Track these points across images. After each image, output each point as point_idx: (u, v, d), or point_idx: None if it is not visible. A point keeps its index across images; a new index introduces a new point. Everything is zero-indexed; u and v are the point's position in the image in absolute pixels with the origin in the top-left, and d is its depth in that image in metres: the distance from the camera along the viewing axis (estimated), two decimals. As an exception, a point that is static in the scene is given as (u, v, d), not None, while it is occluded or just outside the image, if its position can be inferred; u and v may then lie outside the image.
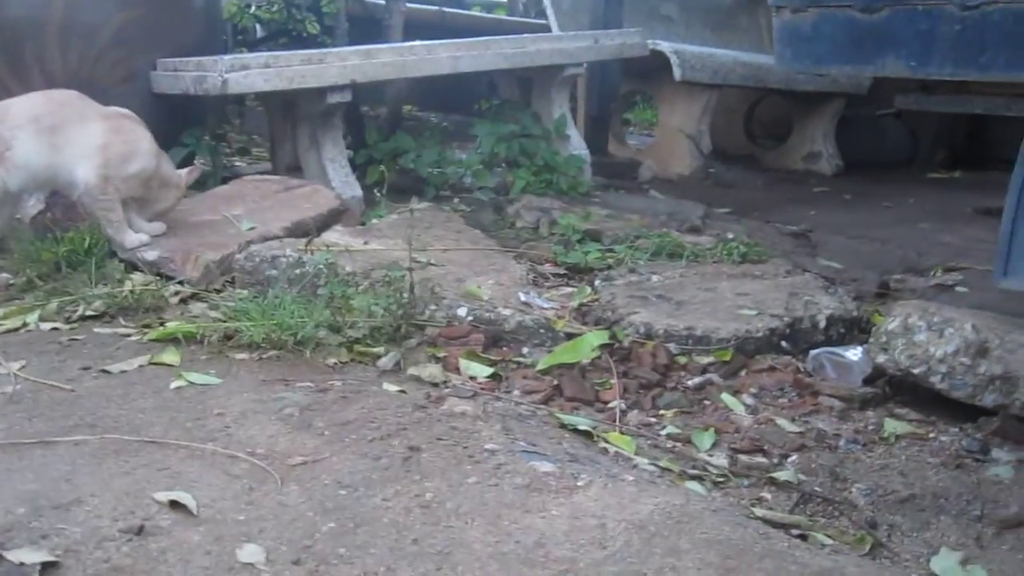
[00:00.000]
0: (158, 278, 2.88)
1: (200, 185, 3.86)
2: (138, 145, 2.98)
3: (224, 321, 2.48)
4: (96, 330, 2.58)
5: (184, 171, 3.15)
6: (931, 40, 1.33)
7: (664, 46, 5.12)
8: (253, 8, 5.66)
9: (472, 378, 2.31)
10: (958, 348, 2.23)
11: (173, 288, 2.81)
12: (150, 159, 2.99)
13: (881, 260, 3.82)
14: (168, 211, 3.12)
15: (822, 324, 2.63)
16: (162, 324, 2.55)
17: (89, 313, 2.68)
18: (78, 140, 2.89)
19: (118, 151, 2.92)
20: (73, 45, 3.63)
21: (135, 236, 2.98)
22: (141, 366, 2.29)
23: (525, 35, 4.54)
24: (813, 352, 2.50)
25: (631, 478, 1.76)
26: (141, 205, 3.04)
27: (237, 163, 4.96)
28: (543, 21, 5.99)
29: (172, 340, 2.44)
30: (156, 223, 3.07)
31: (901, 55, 1.36)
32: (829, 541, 1.72)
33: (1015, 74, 1.32)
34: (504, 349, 2.49)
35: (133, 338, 2.50)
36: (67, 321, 2.64)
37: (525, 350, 2.49)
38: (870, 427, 2.21)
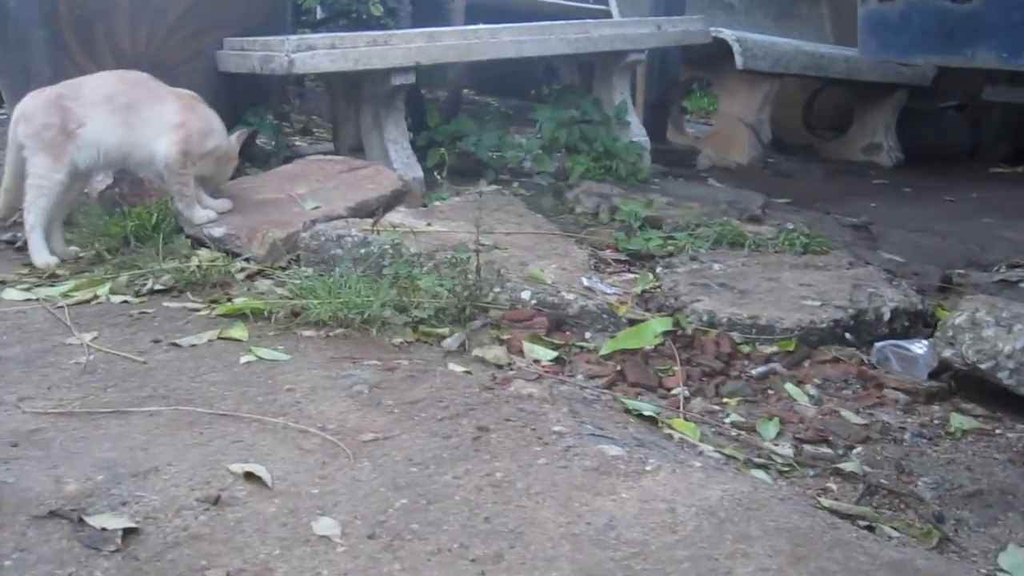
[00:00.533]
0: (224, 254, 2.93)
1: (263, 164, 3.91)
2: (212, 124, 3.08)
3: (291, 298, 2.51)
4: (165, 304, 2.63)
5: (233, 137, 3.20)
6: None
7: (726, 33, 5.09)
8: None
9: (536, 361, 2.32)
10: (1027, 345, 2.21)
11: (239, 264, 2.86)
12: (223, 137, 3.11)
13: (943, 254, 3.78)
14: (225, 182, 3.22)
15: (887, 317, 2.61)
16: (229, 300, 2.59)
17: (158, 287, 2.73)
18: (155, 119, 2.98)
19: (197, 127, 3.02)
20: (142, 24, 3.68)
21: (203, 212, 3.05)
22: (211, 340, 2.33)
23: (588, 20, 4.54)
24: (878, 344, 2.48)
25: (698, 464, 1.76)
26: (206, 181, 3.10)
27: (298, 143, 5.02)
28: (603, 7, 5.98)
29: (240, 316, 2.48)
30: (222, 200, 3.13)
31: (992, 46, 1.35)
32: (896, 533, 1.72)
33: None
34: (567, 333, 2.50)
35: (202, 313, 2.54)
36: (136, 295, 2.70)
37: (588, 335, 2.50)
38: (935, 421, 2.20)
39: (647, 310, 2.65)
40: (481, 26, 4.14)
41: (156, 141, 2.97)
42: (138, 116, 2.97)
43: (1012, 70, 1.40)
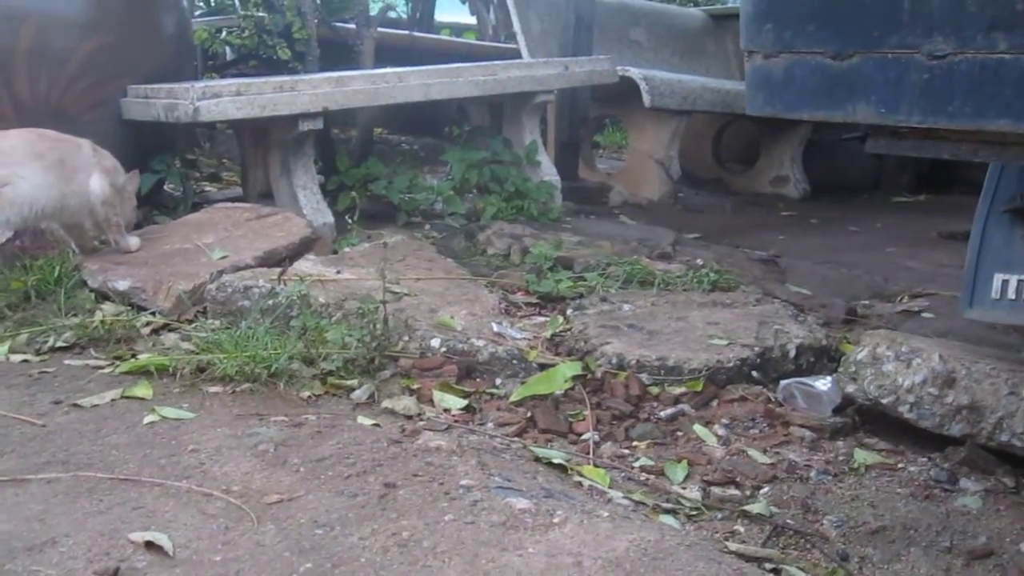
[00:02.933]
0: (129, 308, 2.87)
1: (171, 211, 3.86)
2: (115, 161, 3.24)
3: (197, 353, 2.47)
4: (67, 362, 2.56)
5: (125, 177, 3.29)
6: (900, 88, 1.37)
7: (634, 72, 5.17)
8: (224, 34, 5.64)
9: (446, 410, 2.31)
10: (925, 378, 2.26)
11: (144, 319, 2.80)
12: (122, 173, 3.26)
13: (849, 286, 3.87)
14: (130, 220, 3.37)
15: (792, 353, 2.66)
16: (134, 356, 2.55)
17: (60, 344, 2.66)
18: (82, 166, 3.11)
19: (111, 164, 3.20)
20: (43, 72, 3.61)
21: (135, 239, 3.23)
22: (113, 400, 2.28)
23: (496, 62, 4.57)
24: (783, 382, 2.52)
25: (606, 513, 1.77)
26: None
27: (208, 188, 4.96)
28: (513, 45, 6.02)
29: (144, 373, 2.43)
30: (134, 238, 3.25)
31: (871, 102, 1.39)
32: (802, 574, 1.74)
33: (982, 123, 1.35)
34: (478, 380, 2.50)
35: (105, 370, 2.49)
36: (37, 353, 2.63)
37: (498, 381, 2.50)
38: (840, 457, 2.24)
39: (557, 354, 2.66)
40: (389, 70, 4.15)
41: (88, 183, 3.11)
42: (70, 167, 3.08)
43: (892, 125, 1.45)
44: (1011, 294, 2.46)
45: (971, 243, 2.53)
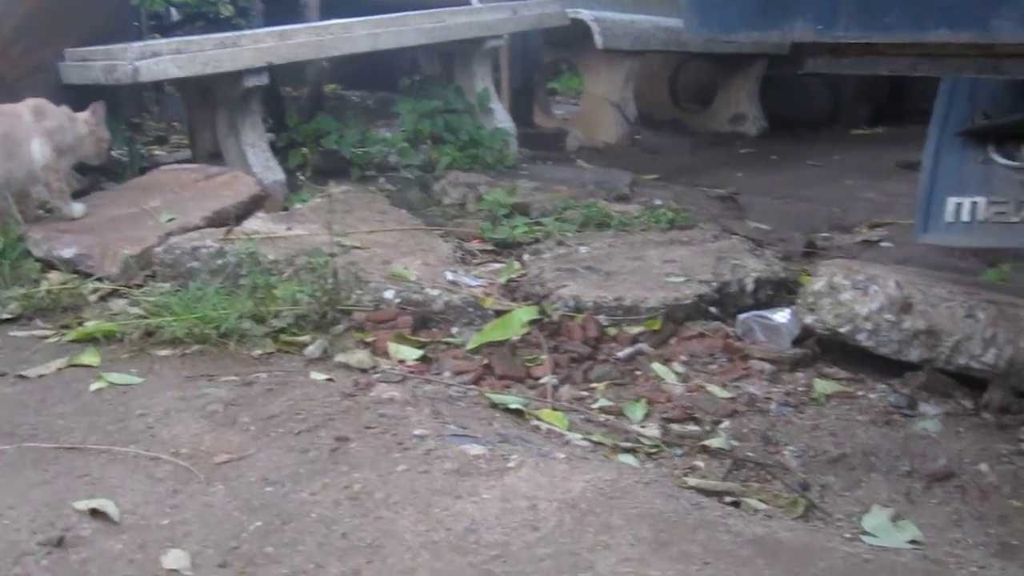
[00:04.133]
0: (76, 276, 2.81)
1: (118, 177, 3.77)
2: (63, 119, 3.12)
3: (145, 318, 2.42)
4: (12, 333, 2.50)
5: (82, 116, 3.19)
6: (836, 3, 1.33)
7: (584, 14, 5.09)
8: (167, -6, 5.52)
9: (401, 362, 2.28)
10: (882, 305, 2.25)
11: (92, 286, 2.73)
12: (80, 125, 3.17)
13: (808, 219, 3.86)
14: (105, 157, 3.35)
15: (750, 287, 2.64)
16: (80, 324, 2.48)
17: (5, 316, 2.60)
18: (23, 136, 3.03)
19: (53, 125, 3.09)
20: (-25, 38, 3.51)
21: (80, 206, 3.13)
22: (60, 369, 2.22)
23: (442, 9, 4.48)
24: (742, 316, 2.50)
25: (563, 456, 1.75)
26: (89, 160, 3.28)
27: (156, 152, 4.85)
28: (463, -7, 5.92)
29: (92, 340, 2.37)
30: (79, 204, 3.16)
31: (808, 19, 1.35)
32: (763, 506, 1.73)
33: (919, 34, 1.31)
34: (433, 330, 2.46)
35: (51, 340, 2.43)
36: (-18, 325, 2.57)
37: (455, 330, 2.46)
38: (800, 388, 2.23)
39: (514, 300, 2.63)
40: (334, 21, 4.05)
41: (30, 152, 3.03)
42: (13, 140, 3.01)
43: (829, 42, 1.42)
44: (965, 216, 2.45)
45: (923, 168, 2.51)
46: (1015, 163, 2.42)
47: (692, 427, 2.03)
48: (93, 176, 3.66)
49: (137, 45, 3.54)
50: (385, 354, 2.31)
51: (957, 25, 1.27)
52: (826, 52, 1.51)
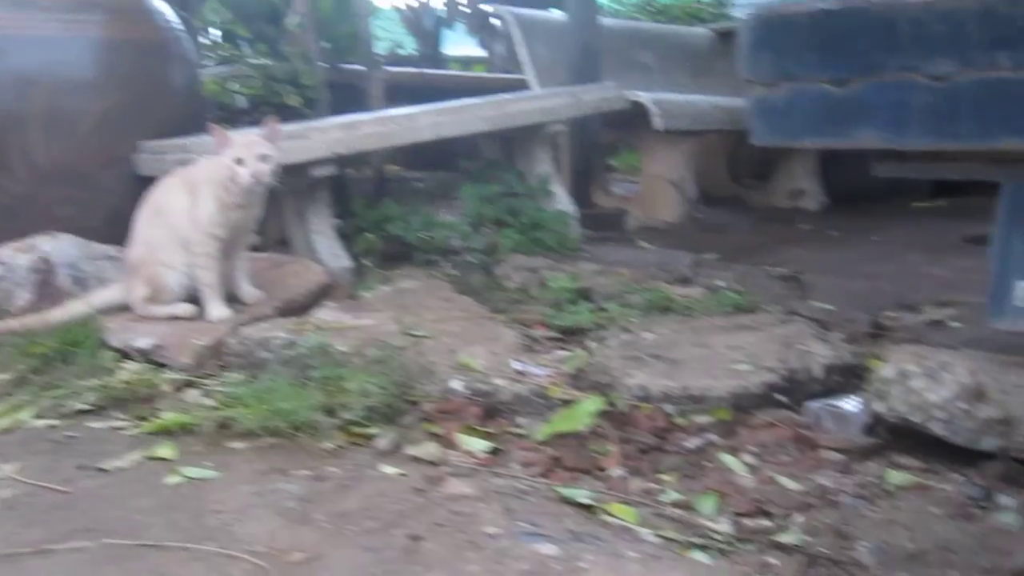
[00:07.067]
0: (150, 366, 2.87)
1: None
2: None
3: (218, 409, 2.47)
4: (90, 424, 2.56)
5: None
6: (904, 111, 1.35)
7: (643, 96, 5.16)
8: (236, 86, 5.67)
9: (470, 453, 2.29)
10: (955, 393, 2.22)
11: (166, 376, 2.80)
12: None
13: (872, 298, 3.82)
14: None
15: (818, 374, 2.63)
16: (156, 415, 2.54)
17: (82, 407, 2.66)
18: None
19: None
20: (56, 134, 3.66)
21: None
22: (137, 462, 2.27)
23: (504, 96, 4.57)
24: (811, 405, 2.49)
25: (635, 555, 1.74)
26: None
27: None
28: (522, 76, 6.02)
29: (167, 432, 2.43)
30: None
31: (876, 127, 1.37)
32: (838, 606, 1.71)
33: (988, 143, 1.33)
34: (501, 420, 2.48)
35: (128, 431, 2.48)
36: (61, 416, 2.63)
37: (522, 420, 2.48)
38: (872, 479, 2.20)
39: (580, 388, 2.64)
40: (398, 111, 4.16)
41: None
42: None
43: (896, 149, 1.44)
44: (1036, 301, 2.42)
45: (994, 251, 2.49)
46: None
47: (764, 522, 2.01)
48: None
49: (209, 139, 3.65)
50: (453, 446, 2.33)
51: (1025, 134, 1.28)
52: (894, 157, 1.53)
